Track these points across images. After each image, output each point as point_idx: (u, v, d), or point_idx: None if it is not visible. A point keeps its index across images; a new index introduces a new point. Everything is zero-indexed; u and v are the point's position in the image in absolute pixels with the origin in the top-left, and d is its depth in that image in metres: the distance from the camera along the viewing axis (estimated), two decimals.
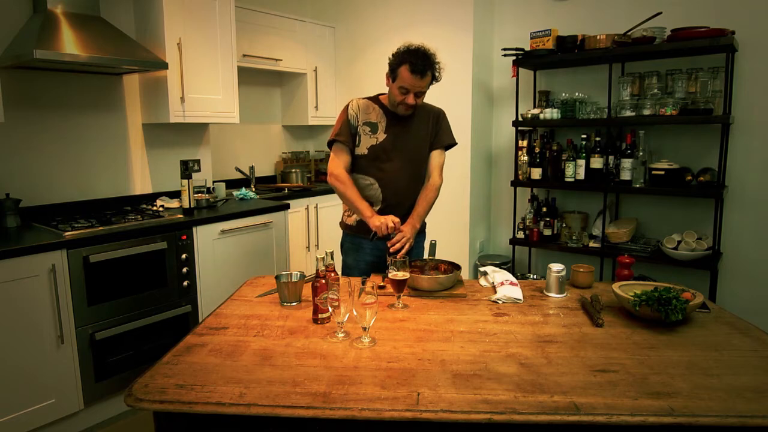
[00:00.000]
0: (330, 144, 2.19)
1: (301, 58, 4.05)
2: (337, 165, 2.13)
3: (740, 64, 2.89)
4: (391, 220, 1.98)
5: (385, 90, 2.17)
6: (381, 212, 2.13)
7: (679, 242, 2.95)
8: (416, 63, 1.98)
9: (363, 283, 1.87)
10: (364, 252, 2.23)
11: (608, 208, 3.28)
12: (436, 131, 2.22)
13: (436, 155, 2.22)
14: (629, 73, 3.17)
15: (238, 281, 2.28)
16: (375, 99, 2.20)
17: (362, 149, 2.14)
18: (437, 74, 2.06)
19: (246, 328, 1.58)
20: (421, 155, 2.20)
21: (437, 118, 2.23)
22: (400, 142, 2.14)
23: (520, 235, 3.57)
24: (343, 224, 2.31)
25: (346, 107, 2.17)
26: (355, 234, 2.23)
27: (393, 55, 2.05)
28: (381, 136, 2.13)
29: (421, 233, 2.29)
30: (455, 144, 2.28)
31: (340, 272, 2.09)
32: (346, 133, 2.14)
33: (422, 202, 2.17)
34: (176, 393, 1.19)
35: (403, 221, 2.09)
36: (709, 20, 2.88)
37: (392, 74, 2.05)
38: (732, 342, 1.46)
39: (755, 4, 2.83)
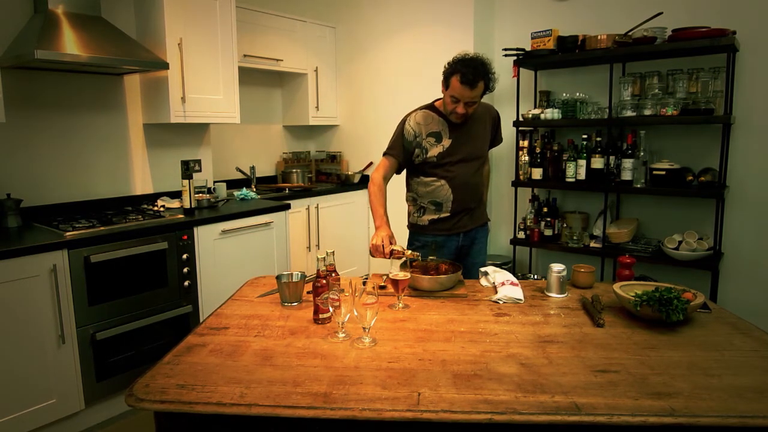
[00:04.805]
0: (385, 153, 2.29)
1: (302, 58, 4.05)
2: (378, 171, 2.25)
3: (741, 64, 2.89)
4: (382, 238, 1.98)
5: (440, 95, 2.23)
6: (452, 210, 2.25)
7: (680, 242, 2.95)
8: (466, 73, 2.01)
9: (363, 283, 1.89)
10: (429, 249, 2.27)
11: (609, 208, 3.28)
12: (496, 132, 2.38)
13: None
14: (630, 73, 3.17)
15: (238, 281, 2.27)
16: (431, 107, 2.26)
17: (431, 157, 2.21)
18: (491, 84, 2.10)
19: (247, 328, 1.58)
20: (480, 152, 2.30)
21: (495, 120, 2.35)
22: (463, 144, 2.23)
23: (521, 235, 3.57)
24: (410, 225, 2.38)
25: (404, 122, 2.24)
26: (420, 232, 2.32)
27: (448, 63, 2.09)
28: (447, 142, 2.21)
29: (484, 227, 2.41)
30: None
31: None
32: (399, 147, 2.23)
33: (485, 192, 2.43)
34: (177, 393, 1.19)
35: (470, 212, 2.28)
36: (710, 20, 2.87)
37: (445, 82, 2.10)
38: (733, 342, 1.46)
39: (756, 4, 2.83)
